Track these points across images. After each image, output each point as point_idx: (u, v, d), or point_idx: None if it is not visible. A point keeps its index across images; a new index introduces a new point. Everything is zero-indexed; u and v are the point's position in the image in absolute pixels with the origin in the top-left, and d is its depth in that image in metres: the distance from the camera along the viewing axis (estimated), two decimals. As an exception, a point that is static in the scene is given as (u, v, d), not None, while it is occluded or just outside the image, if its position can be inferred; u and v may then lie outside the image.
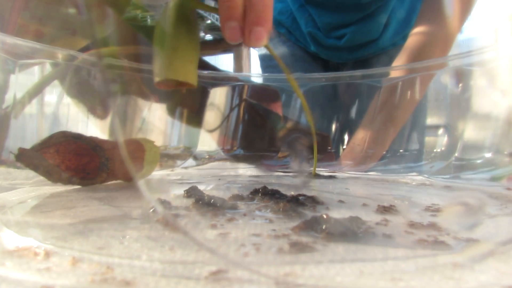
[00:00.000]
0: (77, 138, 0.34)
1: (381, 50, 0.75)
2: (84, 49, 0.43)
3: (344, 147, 0.60)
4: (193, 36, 0.30)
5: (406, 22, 0.72)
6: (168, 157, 0.55)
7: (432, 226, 0.22)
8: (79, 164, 0.34)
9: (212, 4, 0.36)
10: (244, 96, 0.57)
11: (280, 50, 0.80)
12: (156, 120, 0.54)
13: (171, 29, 0.29)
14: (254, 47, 0.30)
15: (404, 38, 0.63)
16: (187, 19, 0.30)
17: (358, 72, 0.57)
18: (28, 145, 0.32)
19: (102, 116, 0.46)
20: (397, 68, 0.57)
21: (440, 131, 0.50)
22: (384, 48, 0.75)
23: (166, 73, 0.28)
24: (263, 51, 0.84)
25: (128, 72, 0.46)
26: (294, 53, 0.79)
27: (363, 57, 0.76)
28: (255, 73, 1.17)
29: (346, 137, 0.60)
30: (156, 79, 0.29)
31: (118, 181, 0.38)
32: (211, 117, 0.56)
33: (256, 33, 0.29)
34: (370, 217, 0.24)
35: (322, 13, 0.74)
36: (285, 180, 0.45)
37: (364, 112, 0.58)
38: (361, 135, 0.57)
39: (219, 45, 1.86)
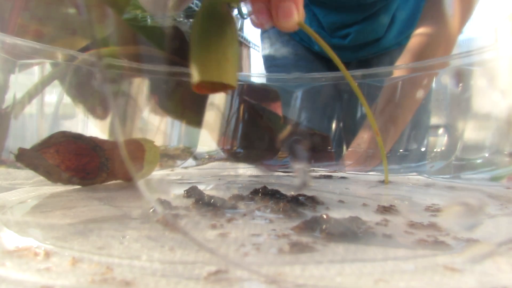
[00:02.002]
0: (77, 138, 0.34)
1: (385, 49, 0.75)
2: (84, 49, 0.43)
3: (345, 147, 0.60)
4: (227, 32, 0.28)
5: (410, 22, 0.72)
6: (168, 157, 0.55)
7: (432, 226, 0.22)
8: (79, 164, 0.34)
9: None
10: (244, 96, 0.57)
11: (283, 49, 0.80)
12: (156, 120, 0.54)
13: (202, 28, 0.28)
14: (285, 27, 0.26)
15: (408, 38, 0.63)
16: (218, 15, 0.28)
17: (359, 72, 0.57)
18: (28, 145, 0.32)
19: (102, 116, 0.46)
20: (399, 67, 0.57)
21: (440, 131, 0.50)
22: (388, 47, 0.75)
23: (200, 75, 0.27)
24: (267, 51, 0.84)
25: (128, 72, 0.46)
26: (298, 52, 0.79)
27: (366, 56, 0.76)
28: (255, 73, 1.17)
29: (346, 137, 0.60)
30: (192, 82, 0.28)
31: (118, 181, 0.38)
32: (211, 117, 0.56)
33: (284, 9, 0.26)
34: (370, 217, 0.24)
35: (327, 13, 0.74)
36: (285, 180, 0.45)
37: (364, 112, 0.58)
38: (363, 135, 0.57)
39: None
